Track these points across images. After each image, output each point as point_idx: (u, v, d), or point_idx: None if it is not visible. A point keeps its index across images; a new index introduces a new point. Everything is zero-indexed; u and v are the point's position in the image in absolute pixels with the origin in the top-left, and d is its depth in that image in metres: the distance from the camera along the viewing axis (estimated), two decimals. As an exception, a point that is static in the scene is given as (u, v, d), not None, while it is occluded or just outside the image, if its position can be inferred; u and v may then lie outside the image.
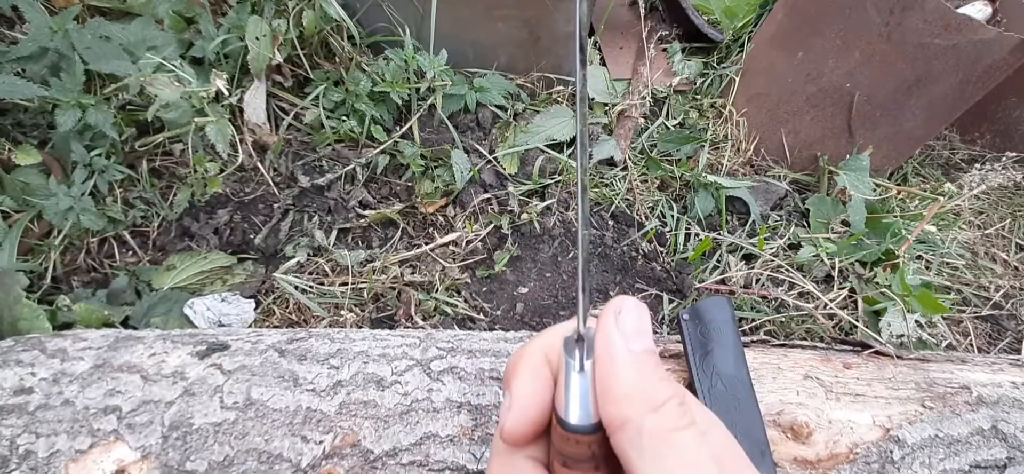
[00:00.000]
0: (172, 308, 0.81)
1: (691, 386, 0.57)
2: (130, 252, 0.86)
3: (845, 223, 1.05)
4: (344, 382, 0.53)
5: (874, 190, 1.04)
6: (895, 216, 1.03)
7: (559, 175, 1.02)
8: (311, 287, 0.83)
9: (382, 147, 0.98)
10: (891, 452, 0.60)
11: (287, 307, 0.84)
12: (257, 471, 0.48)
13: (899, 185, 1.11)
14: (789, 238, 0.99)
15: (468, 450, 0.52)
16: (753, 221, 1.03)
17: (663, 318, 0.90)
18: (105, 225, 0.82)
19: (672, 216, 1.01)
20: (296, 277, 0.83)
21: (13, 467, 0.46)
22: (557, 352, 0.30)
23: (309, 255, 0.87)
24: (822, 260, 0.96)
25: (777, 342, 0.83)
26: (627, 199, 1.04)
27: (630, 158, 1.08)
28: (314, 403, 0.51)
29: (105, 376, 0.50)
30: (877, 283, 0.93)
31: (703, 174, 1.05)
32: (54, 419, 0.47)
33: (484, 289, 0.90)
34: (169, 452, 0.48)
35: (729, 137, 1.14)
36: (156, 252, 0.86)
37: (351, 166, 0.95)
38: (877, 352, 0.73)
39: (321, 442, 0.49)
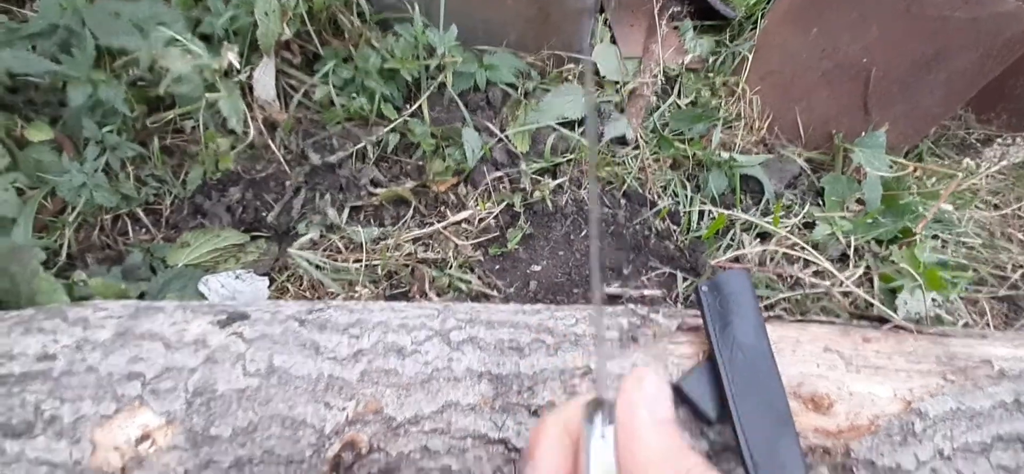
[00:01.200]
0: (187, 285, 0.81)
1: (711, 357, 0.57)
2: (143, 230, 0.86)
3: (860, 202, 1.04)
4: (365, 351, 0.53)
5: (890, 167, 1.03)
6: (911, 194, 1.01)
7: (571, 153, 1.01)
8: (325, 264, 0.83)
9: (392, 125, 0.97)
10: (913, 424, 0.60)
11: (301, 285, 0.84)
12: (281, 436, 0.48)
13: (916, 162, 1.09)
14: (804, 217, 0.98)
15: (489, 418, 0.52)
16: (767, 200, 1.02)
17: (677, 296, 0.89)
18: (118, 202, 0.82)
19: (685, 195, 1.01)
20: (310, 253, 0.83)
21: (39, 431, 0.46)
22: (576, 424, 0.31)
23: (322, 233, 0.87)
24: (837, 238, 0.95)
25: (794, 318, 0.82)
26: (639, 178, 1.03)
27: (642, 137, 1.07)
28: (336, 371, 0.51)
29: (127, 343, 0.50)
30: (893, 261, 0.92)
31: (717, 153, 1.04)
32: (78, 385, 0.47)
33: (497, 267, 0.90)
34: (193, 418, 0.48)
35: (742, 116, 1.13)
36: (169, 230, 0.86)
37: (362, 144, 0.95)
38: (897, 326, 0.73)
39: (344, 409, 0.49)
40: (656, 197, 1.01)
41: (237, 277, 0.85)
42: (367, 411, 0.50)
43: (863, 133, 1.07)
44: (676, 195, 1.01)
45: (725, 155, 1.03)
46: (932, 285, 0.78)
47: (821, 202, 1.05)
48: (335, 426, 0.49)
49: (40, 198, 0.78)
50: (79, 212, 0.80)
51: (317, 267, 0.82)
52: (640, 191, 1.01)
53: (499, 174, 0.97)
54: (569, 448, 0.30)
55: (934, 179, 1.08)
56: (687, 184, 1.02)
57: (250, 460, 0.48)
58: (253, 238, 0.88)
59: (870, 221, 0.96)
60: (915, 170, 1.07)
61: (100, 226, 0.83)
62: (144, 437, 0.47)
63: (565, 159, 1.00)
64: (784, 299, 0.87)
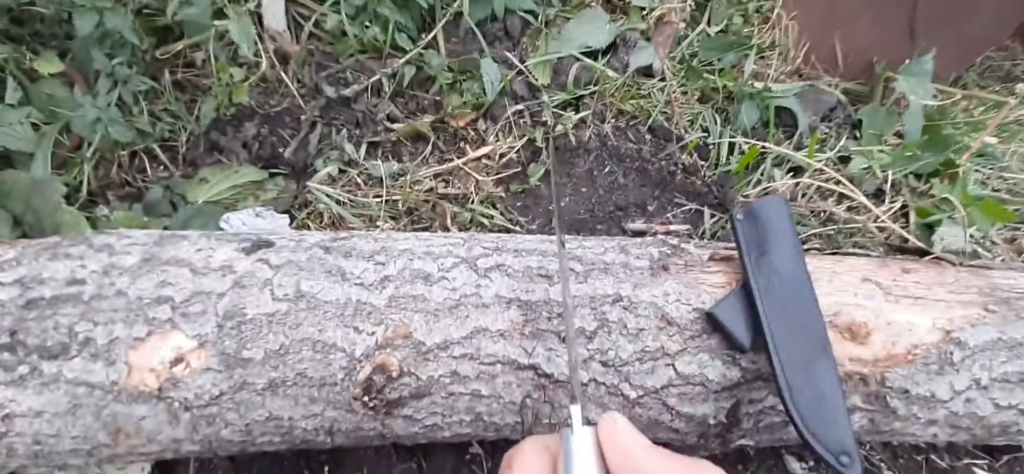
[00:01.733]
0: (208, 222, 0.80)
1: (745, 285, 0.55)
2: (161, 167, 0.85)
3: (899, 135, 0.99)
4: (391, 277, 0.52)
5: (935, 96, 0.97)
6: (955, 125, 0.96)
7: (595, 85, 0.96)
8: (345, 199, 0.81)
9: (407, 57, 0.93)
10: (951, 354, 0.58)
11: (321, 221, 0.83)
12: (313, 359, 0.48)
13: (963, 91, 1.02)
14: (839, 150, 0.94)
15: (519, 344, 0.52)
16: (801, 133, 0.97)
17: (704, 232, 0.87)
18: (134, 137, 0.81)
19: (715, 128, 0.96)
20: (330, 188, 0.81)
21: (74, 353, 0.47)
22: (555, 444, 0.34)
23: (340, 169, 0.85)
24: (874, 173, 0.91)
25: (829, 251, 0.79)
26: (665, 112, 0.98)
27: (669, 67, 1.01)
28: (363, 296, 0.50)
29: (154, 269, 0.50)
30: (932, 195, 0.88)
31: (749, 83, 0.98)
32: (109, 308, 0.48)
33: (519, 203, 0.88)
34: (225, 341, 0.48)
35: (776, 44, 1.06)
36: (186, 167, 0.85)
37: (376, 77, 0.91)
38: (937, 258, 0.70)
39: (373, 333, 0.49)
40: (683, 131, 0.96)
41: (257, 214, 0.84)
42: (396, 336, 0.49)
43: (907, 61, 1.00)
44: (705, 129, 0.97)
45: (758, 86, 0.97)
46: (991, 215, 0.75)
47: (857, 135, 1.00)
48: (365, 350, 0.49)
49: (55, 133, 0.76)
50: (96, 148, 0.79)
51: (338, 202, 0.80)
52: (666, 125, 0.97)
53: (520, 108, 0.93)
54: (549, 463, 0.33)
55: (981, 109, 1.01)
56: (717, 117, 0.98)
57: (283, 382, 0.49)
58: (271, 175, 0.86)
59: (909, 154, 0.91)
60: (962, 99, 1.01)
61: (118, 162, 0.83)
62: (178, 359, 0.48)
63: (588, 91, 0.96)
64: (816, 234, 0.84)
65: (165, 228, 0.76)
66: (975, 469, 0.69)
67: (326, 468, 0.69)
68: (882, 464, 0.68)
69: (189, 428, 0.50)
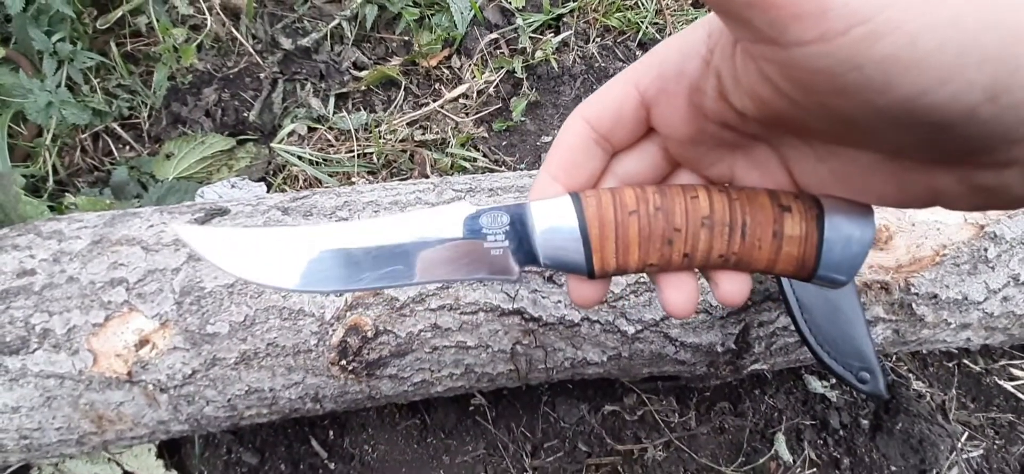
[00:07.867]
0: (182, 199, 0.77)
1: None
2: (126, 146, 0.81)
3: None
4: (356, 232, 0.48)
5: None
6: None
7: (574, 1, 0.87)
8: (317, 157, 0.77)
9: (369, -5, 0.85)
10: (985, 250, 0.52)
11: (298, 184, 0.79)
12: (281, 328, 0.45)
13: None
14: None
15: (500, 290, 0.48)
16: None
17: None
18: (91, 118, 0.76)
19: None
20: (297, 148, 0.76)
21: (35, 346, 0.44)
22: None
23: (309, 127, 0.80)
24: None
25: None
26: (657, 22, 0.89)
27: (660, -28, 0.91)
28: (327, 256, 0.46)
29: (105, 251, 0.47)
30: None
31: (749, -22, 0.88)
32: (62, 296, 0.45)
33: (504, 143, 0.82)
34: (187, 318, 0.45)
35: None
36: (152, 143, 0.81)
37: (336, 22, 0.84)
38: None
39: (342, 293, 0.46)
40: (678, 41, 0.87)
41: (233, 186, 0.80)
42: (366, 294, 0.46)
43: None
44: (702, 36, 0.88)
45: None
46: None
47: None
48: (335, 312, 0.46)
49: (8, 121, 0.72)
50: (55, 134, 0.75)
51: (311, 162, 0.76)
52: (659, 38, 0.88)
53: (494, 37, 0.85)
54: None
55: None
56: (715, 21, 0.88)
57: (255, 353, 0.46)
58: (240, 142, 0.82)
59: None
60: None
61: (81, 147, 0.79)
62: (143, 342, 0.45)
63: (568, 9, 0.87)
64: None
65: (136, 210, 0.73)
66: (1012, 369, 0.65)
67: (330, 432, 0.68)
68: (911, 374, 0.64)
69: (171, 409, 0.49)
